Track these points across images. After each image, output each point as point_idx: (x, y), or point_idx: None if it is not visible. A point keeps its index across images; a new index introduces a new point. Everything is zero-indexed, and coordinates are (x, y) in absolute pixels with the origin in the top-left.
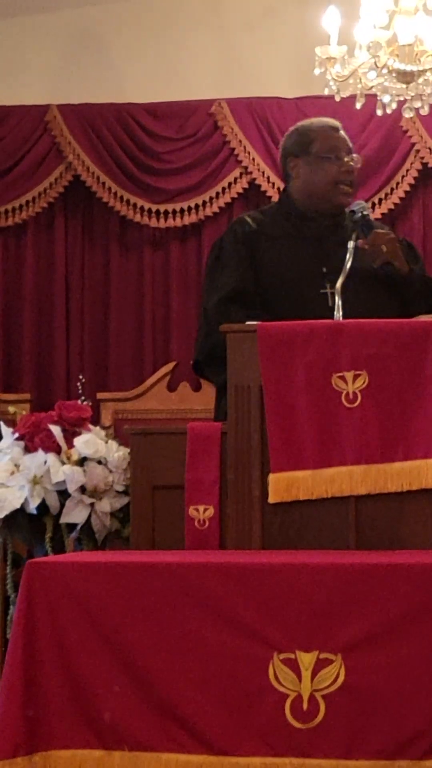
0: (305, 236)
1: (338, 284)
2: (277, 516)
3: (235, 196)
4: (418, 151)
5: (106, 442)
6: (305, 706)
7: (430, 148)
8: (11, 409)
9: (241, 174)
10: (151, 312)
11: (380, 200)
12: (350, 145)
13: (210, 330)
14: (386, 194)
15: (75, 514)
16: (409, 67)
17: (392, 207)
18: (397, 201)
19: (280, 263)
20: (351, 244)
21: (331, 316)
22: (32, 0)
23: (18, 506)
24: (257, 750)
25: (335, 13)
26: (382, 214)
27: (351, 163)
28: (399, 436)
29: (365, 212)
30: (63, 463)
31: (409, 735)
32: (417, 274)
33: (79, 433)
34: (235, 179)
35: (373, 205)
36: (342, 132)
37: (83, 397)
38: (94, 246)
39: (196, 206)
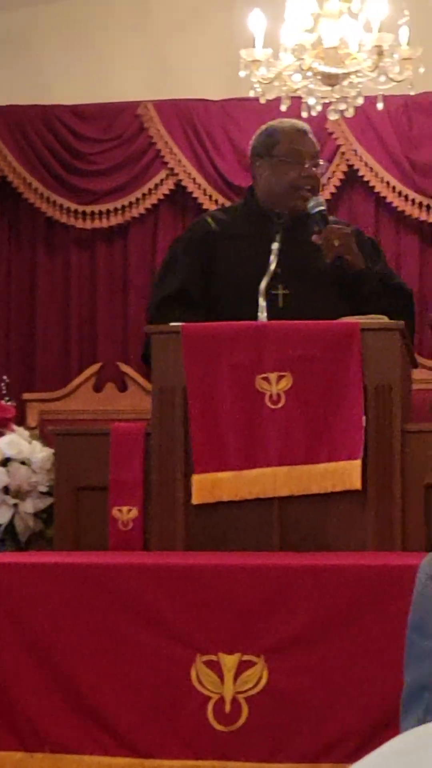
0: (264, 236)
1: (262, 285)
2: (200, 517)
3: (161, 197)
4: (343, 153)
5: (30, 443)
6: (228, 708)
7: (355, 150)
8: None
9: (167, 175)
10: (78, 313)
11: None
12: (317, 149)
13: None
14: None
15: None
16: (333, 70)
17: None
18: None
19: (236, 263)
20: (275, 246)
21: (281, 317)
22: None
23: None
24: (180, 753)
25: (260, 16)
26: None
27: (313, 169)
28: (323, 438)
29: (319, 208)
30: None
31: (332, 738)
32: (374, 271)
33: (3, 434)
34: (162, 181)
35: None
36: (310, 136)
37: (7, 398)
38: (20, 246)
39: (123, 207)
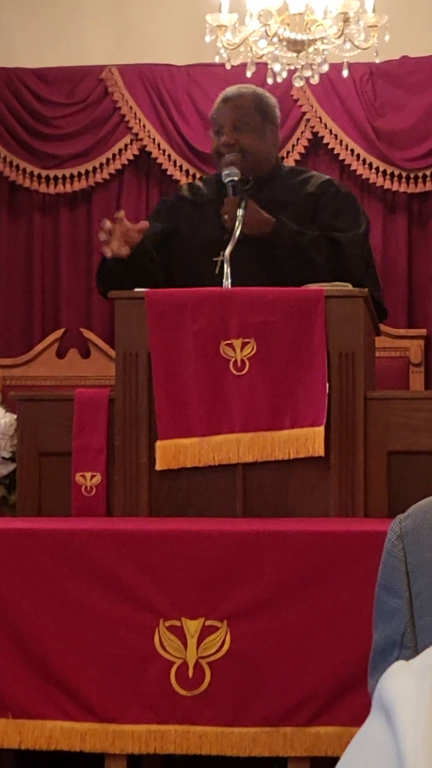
0: (221, 203)
1: (227, 252)
2: (164, 483)
3: (126, 162)
4: (308, 120)
5: None
6: (191, 673)
7: (320, 118)
8: None
9: (131, 141)
10: (41, 278)
11: None
12: (237, 115)
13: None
14: None
15: None
16: (299, 36)
17: None
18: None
19: (192, 230)
20: (240, 212)
21: (216, 284)
22: None
23: None
24: (142, 717)
25: None
26: None
27: (227, 136)
28: (287, 404)
29: (230, 179)
30: None
31: (293, 702)
32: (289, 234)
33: None
34: (126, 146)
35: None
36: (231, 103)
37: None
38: None
39: (86, 172)
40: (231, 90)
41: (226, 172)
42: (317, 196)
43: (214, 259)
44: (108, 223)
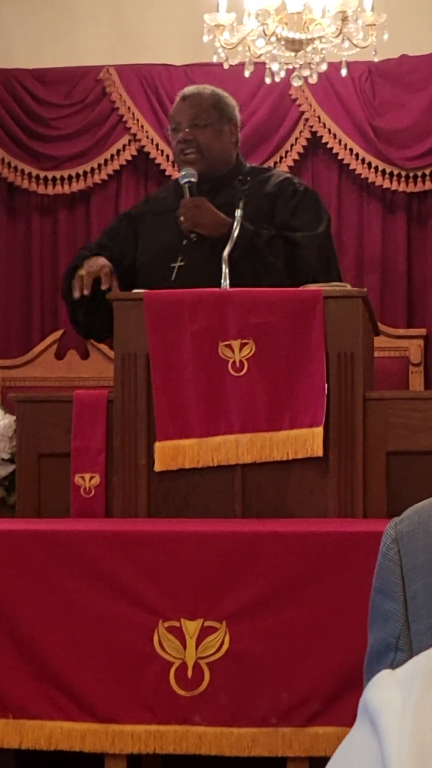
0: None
1: (225, 253)
2: (163, 484)
3: (124, 163)
4: (307, 119)
5: None
6: (190, 674)
7: (319, 117)
8: None
9: (129, 141)
10: (40, 279)
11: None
12: (195, 111)
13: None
14: (275, 162)
15: None
16: (297, 35)
17: None
18: (286, 169)
19: (155, 238)
20: (238, 213)
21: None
22: None
23: None
24: (141, 718)
25: None
26: None
27: (184, 133)
28: (285, 405)
29: (187, 179)
30: None
31: (292, 702)
32: (245, 234)
33: None
34: (124, 146)
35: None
36: (190, 100)
37: None
38: None
39: (84, 173)
40: (190, 89)
41: (183, 173)
42: (275, 196)
43: (171, 264)
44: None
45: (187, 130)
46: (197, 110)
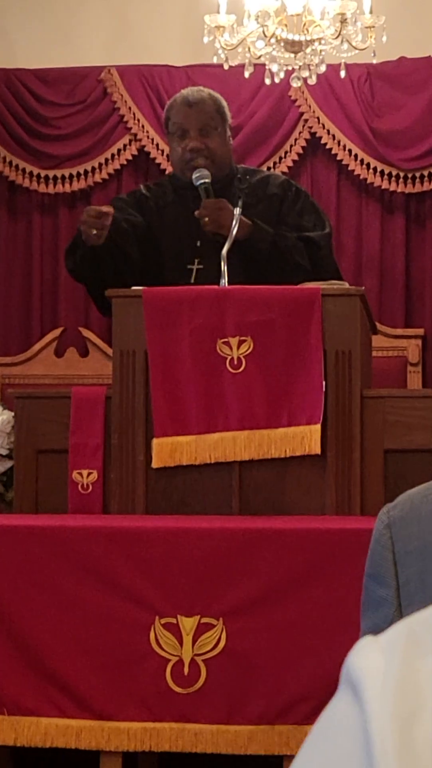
0: (187, 207)
1: (224, 251)
2: (160, 481)
3: (124, 162)
4: (306, 120)
5: None
6: (186, 671)
7: (318, 118)
8: None
9: (130, 141)
10: (40, 277)
11: (268, 169)
12: (205, 119)
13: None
14: (275, 163)
15: None
16: (297, 37)
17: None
18: (286, 170)
19: (162, 231)
20: (237, 211)
21: None
22: None
23: None
24: (138, 715)
25: None
26: None
27: (197, 141)
28: (283, 402)
29: (202, 181)
30: None
31: (289, 700)
32: (267, 235)
33: None
34: (125, 146)
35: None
36: (198, 107)
37: None
38: None
39: (85, 172)
40: (191, 94)
41: (197, 174)
42: (280, 197)
43: (189, 267)
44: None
45: (197, 138)
46: (205, 117)
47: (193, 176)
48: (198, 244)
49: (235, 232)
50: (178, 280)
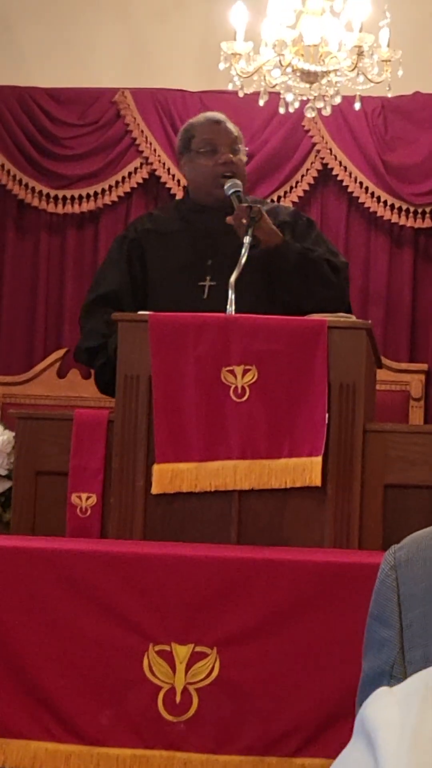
0: (196, 230)
1: (232, 279)
2: (159, 507)
3: (135, 186)
4: (318, 151)
5: None
6: (178, 699)
7: (330, 149)
8: None
9: (141, 164)
10: (45, 297)
11: (279, 198)
12: (234, 136)
13: (81, 327)
14: (285, 192)
15: None
16: (313, 68)
17: (291, 205)
18: (296, 200)
19: (166, 258)
20: (247, 239)
21: (204, 309)
22: None
23: None
24: (128, 741)
25: (242, 9)
26: None
27: (230, 156)
28: (285, 433)
29: (234, 189)
30: None
31: (280, 732)
32: (295, 247)
33: None
34: (135, 169)
35: (272, 202)
36: (225, 125)
37: None
38: None
39: (95, 194)
40: (215, 114)
41: (230, 184)
42: (291, 225)
43: (200, 283)
44: None
45: (229, 154)
46: (234, 137)
47: (225, 186)
48: (209, 262)
49: (243, 261)
50: (190, 296)
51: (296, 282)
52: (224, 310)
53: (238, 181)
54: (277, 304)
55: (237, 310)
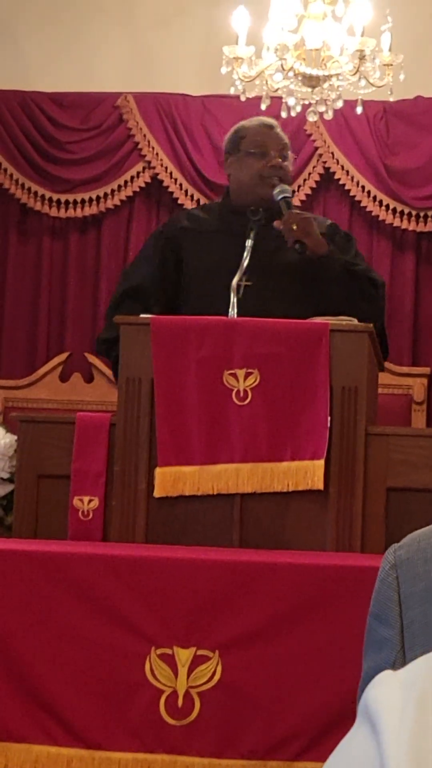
0: (234, 232)
1: (234, 282)
2: (161, 510)
3: (137, 190)
4: (321, 155)
5: None
6: (180, 702)
7: (332, 153)
8: None
9: (143, 168)
10: (47, 301)
11: None
12: (284, 142)
13: (105, 318)
14: None
15: None
16: (315, 72)
17: None
18: (298, 204)
19: (201, 258)
20: (249, 243)
21: (237, 309)
22: None
23: None
24: (130, 745)
25: (244, 13)
26: None
27: (279, 160)
28: (288, 436)
29: (284, 195)
30: None
31: (282, 736)
32: (338, 257)
33: None
34: (138, 173)
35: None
36: (276, 130)
37: None
38: None
39: (97, 198)
40: (267, 119)
41: (279, 188)
42: (329, 237)
43: (238, 283)
44: None
45: (279, 159)
46: (284, 143)
47: (275, 191)
48: (245, 264)
49: (245, 264)
50: (224, 296)
51: (338, 293)
52: (258, 310)
53: (288, 187)
54: (310, 311)
55: (271, 315)
